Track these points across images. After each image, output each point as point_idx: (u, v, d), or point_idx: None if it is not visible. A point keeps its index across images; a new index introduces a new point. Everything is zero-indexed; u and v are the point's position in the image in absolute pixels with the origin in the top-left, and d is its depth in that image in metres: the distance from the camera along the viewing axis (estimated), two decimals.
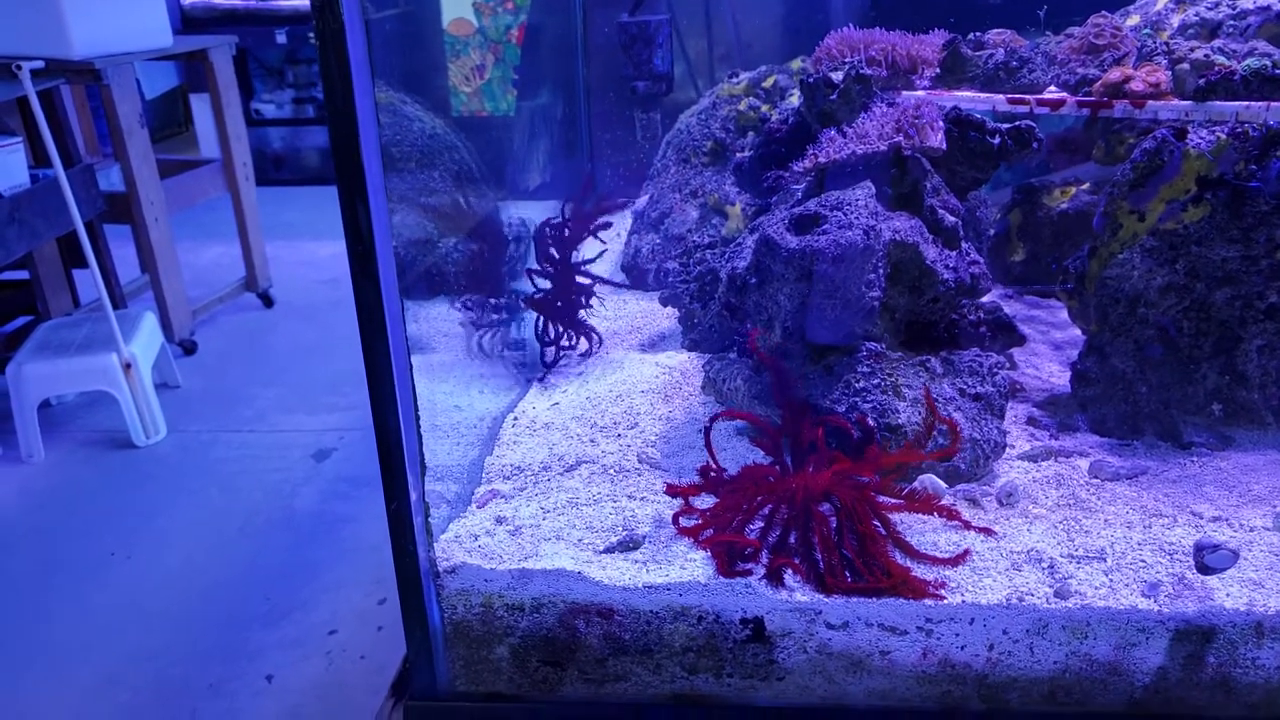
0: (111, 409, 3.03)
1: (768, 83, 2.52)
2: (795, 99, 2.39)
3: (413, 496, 1.30)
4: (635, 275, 2.47)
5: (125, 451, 2.97)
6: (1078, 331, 2.07)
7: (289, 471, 2.84)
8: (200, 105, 5.77)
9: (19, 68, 2.75)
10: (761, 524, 1.40)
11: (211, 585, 2.33)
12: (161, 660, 2.07)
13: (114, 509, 2.67)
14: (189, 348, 3.66)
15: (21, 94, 2.82)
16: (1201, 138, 1.65)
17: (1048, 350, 2.11)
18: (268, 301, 4.14)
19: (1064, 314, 2.23)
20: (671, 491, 1.47)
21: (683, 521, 1.44)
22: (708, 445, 1.45)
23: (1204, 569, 1.35)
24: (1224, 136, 1.62)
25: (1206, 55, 1.84)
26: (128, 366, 2.92)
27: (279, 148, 5.96)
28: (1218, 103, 1.79)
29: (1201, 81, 1.79)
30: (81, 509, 2.68)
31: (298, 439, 3.03)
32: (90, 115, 5.04)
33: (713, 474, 1.46)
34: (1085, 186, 2.34)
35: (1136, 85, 1.79)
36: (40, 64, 2.89)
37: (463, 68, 2.87)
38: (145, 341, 3.09)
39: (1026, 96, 1.94)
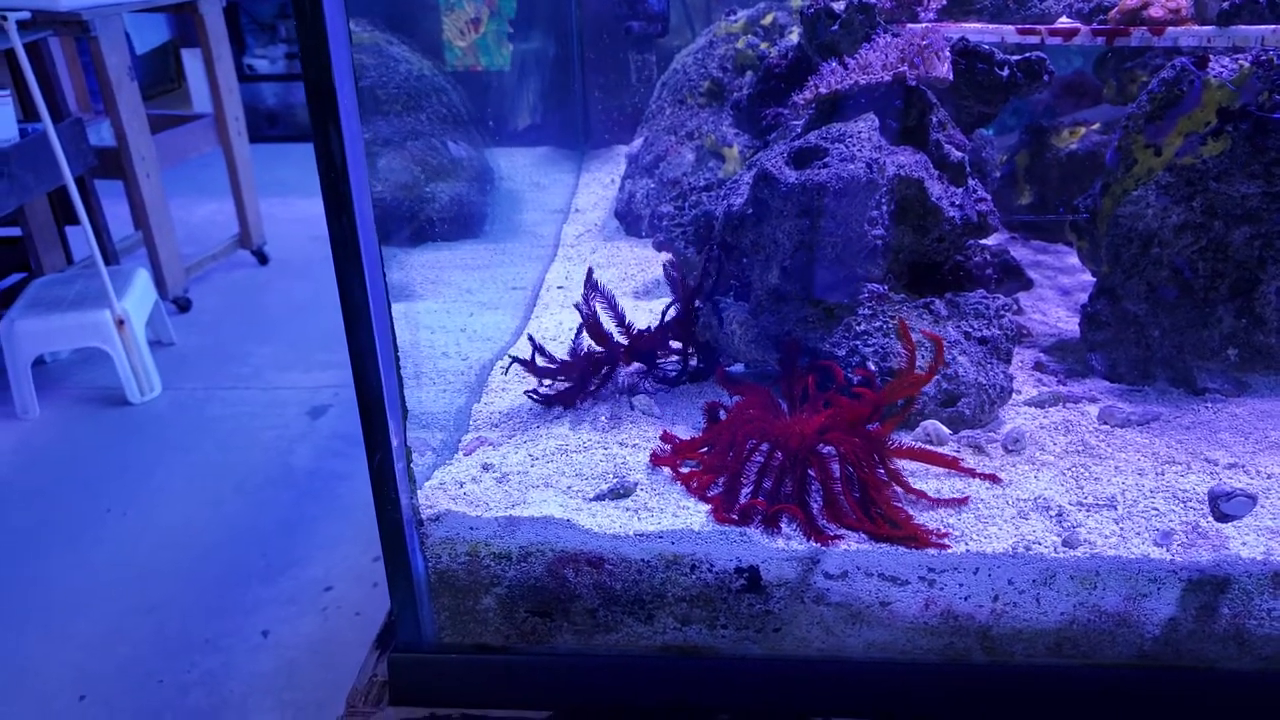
0: (106, 366, 3.00)
1: (766, 20, 2.43)
2: (795, 36, 2.30)
3: (394, 443, 1.25)
4: (629, 220, 2.40)
5: (120, 409, 2.94)
6: (1085, 277, 2.00)
7: (284, 429, 2.81)
8: (192, 60, 5.67)
9: (4, 19, 2.68)
10: (756, 470, 1.35)
11: (208, 542, 2.31)
12: (159, 615, 2.06)
13: (110, 466, 2.64)
14: (183, 305, 3.62)
15: (8, 46, 2.75)
16: (1224, 66, 1.56)
17: (1054, 295, 2.04)
18: (262, 258, 4.09)
19: (1071, 259, 2.16)
20: (659, 462, 1.42)
21: (681, 468, 1.39)
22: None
23: (1221, 516, 1.30)
24: (1247, 65, 1.54)
25: None
26: (121, 323, 2.88)
27: (272, 104, 5.86)
28: (1242, 27, 1.69)
29: (1225, 5, 1.69)
30: (77, 466, 2.65)
31: (293, 396, 3.00)
32: (81, 71, 4.96)
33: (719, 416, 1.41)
34: (1095, 127, 2.26)
35: (1155, 11, 1.70)
36: (27, 15, 2.82)
37: (457, 21, 2.78)
38: (139, 298, 3.05)
39: (1037, 27, 1.85)
